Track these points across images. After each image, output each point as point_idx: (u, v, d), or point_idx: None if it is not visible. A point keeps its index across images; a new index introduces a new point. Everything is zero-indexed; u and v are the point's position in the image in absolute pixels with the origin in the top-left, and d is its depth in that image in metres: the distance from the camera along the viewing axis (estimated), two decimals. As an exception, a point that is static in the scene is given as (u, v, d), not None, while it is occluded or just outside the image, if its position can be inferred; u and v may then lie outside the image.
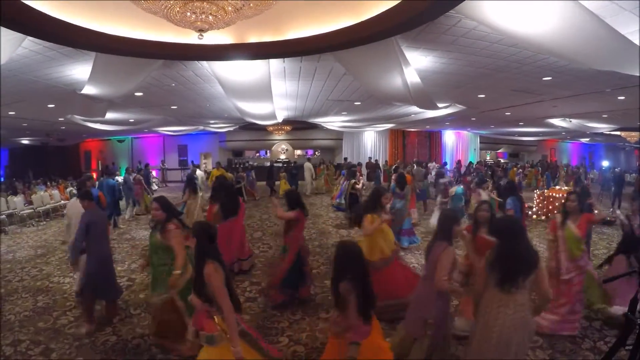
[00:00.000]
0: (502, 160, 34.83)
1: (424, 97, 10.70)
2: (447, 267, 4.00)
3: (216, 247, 3.75)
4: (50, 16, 5.54)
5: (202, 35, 5.12)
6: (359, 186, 13.35)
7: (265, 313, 6.41)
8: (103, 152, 32.03)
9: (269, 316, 6.30)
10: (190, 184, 10.55)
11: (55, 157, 29.74)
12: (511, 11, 5.32)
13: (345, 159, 25.26)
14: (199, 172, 18.70)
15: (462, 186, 11.64)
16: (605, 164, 30.86)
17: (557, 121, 18.92)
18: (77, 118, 15.31)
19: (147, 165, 23.27)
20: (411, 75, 8.71)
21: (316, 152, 30.73)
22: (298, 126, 23.44)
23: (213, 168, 20.51)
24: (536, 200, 14.37)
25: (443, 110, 14.43)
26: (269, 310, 6.47)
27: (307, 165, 22.03)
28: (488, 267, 3.71)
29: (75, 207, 6.94)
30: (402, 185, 10.12)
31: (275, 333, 5.77)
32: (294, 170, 20.64)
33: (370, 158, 25.48)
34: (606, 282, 4.84)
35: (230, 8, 4.59)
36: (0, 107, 8.33)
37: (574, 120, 18.65)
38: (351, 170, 14.47)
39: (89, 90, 9.77)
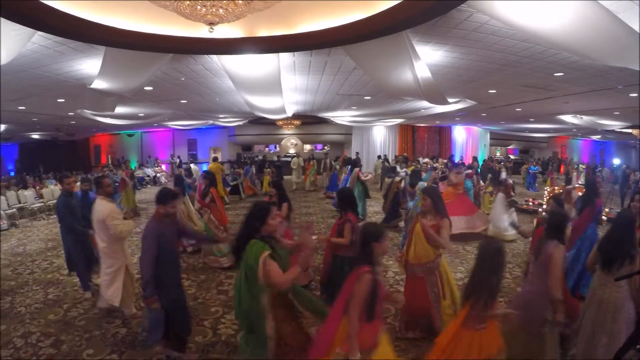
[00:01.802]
0: (511, 157, 34.68)
1: (435, 91, 10.65)
2: (562, 269, 4.18)
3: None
4: (60, 11, 5.54)
5: (212, 29, 5.12)
6: (366, 178, 13.26)
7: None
8: (113, 146, 32.16)
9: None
10: (179, 185, 10.04)
11: (66, 151, 29.89)
12: (523, 6, 5.26)
13: (357, 153, 25.12)
14: (193, 167, 18.80)
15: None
16: (616, 161, 30.58)
17: (568, 118, 18.79)
18: (87, 112, 15.36)
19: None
20: (422, 70, 8.65)
21: (325, 147, 30.77)
22: (307, 121, 23.40)
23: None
24: (546, 198, 14.29)
25: (453, 105, 14.40)
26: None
27: (295, 160, 22.14)
28: (598, 248, 4.43)
29: (102, 211, 5.81)
30: (413, 183, 9.79)
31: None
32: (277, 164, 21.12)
33: (379, 156, 25.32)
34: (617, 279, 4.80)
35: (240, 1, 4.58)
36: (0, 102, 8.34)
37: (585, 117, 18.49)
38: (391, 167, 14.32)
39: (99, 84, 9.78)
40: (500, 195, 10.77)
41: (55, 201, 15.40)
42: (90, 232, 6.48)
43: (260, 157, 27.86)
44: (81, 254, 7.04)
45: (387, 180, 12.12)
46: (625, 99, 12.43)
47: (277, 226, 3.79)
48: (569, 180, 16.57)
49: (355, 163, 15.32)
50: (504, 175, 14.33)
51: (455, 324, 3.85)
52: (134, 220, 7.04)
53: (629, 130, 21.46)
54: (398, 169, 13.59)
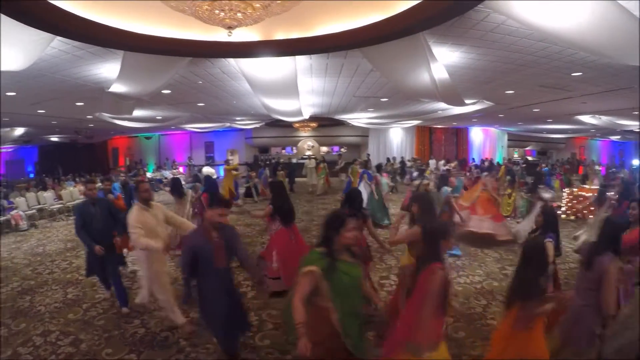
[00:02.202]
0: (529, 158, 34.36)
1: (452, 93, 10.61)
2: (615, 284, 3.99)
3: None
4: (79, 16, 5.61)
5: (231, 33, 5.16)
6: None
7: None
8: (131, 148, 32.46)
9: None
10: (176, 189, 10.02)
11: (84, 153, 30.19)
12: (540, 5, 5.22)
13: (368, 155, 24.83)
14: (208, 169, 18.84)
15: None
16: (636, 162, 30.12)
17: (586, 118, 18.56)
18: (105, 115, 15.51)
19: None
20: (439, 71, 8.62)
21: (342, 149, 30.75)
22: (324, 123, 23.36)
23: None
24: (565, 200, 14.12)
25: (470, 106, 14.32)
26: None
27: (308, 162, 21.86)
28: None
29: (128, 218, 5.64)
30: (439, 187, 9.84)
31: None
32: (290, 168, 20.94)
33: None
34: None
35: (258, 5, 4.61)
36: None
37: (603, 117, 18.26)
38: (421, 169, 14.02)
39: (117, 88, 9.88)
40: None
41: (74, 202, 15.72)
42: (97, 247, 6.06)
43: (274, 160, 27.77)
44: (96, 262, 6.53)
45: (415, 182, 11.73)
46: (645, 99, 12.22)
47: (352, 239, 3.59)
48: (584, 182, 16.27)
49: (379, 167, 14.84)
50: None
51: (505, 325, 3.84)
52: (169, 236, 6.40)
53: (649, 130, 21.21)
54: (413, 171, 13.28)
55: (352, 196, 6.35)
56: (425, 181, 11.20)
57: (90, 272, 6.97)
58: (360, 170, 14.04)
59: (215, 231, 4.42)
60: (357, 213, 5.64)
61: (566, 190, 14.81)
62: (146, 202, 5.80)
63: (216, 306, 4.47)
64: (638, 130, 21.43)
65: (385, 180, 13.52)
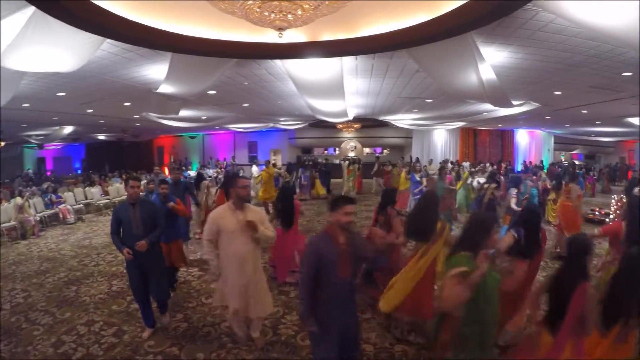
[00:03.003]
0: (576, 162, 33.47)
1: (499, 94, 10.44)
2: None
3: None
4: (128, 19, 5.74)
5: (281, 34, 5.18)
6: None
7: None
8: (175, 147, 33.10)
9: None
10: (176, 191, 8.74)
11: (130, 152, 30.99)
12: (590, 3, 5.10)
13: (417, 158, 24.23)
14: (254, 168, 19.82)
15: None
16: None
17: (636, 120, 17.94)
18: (152, 115, 15.93)
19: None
20: (486, 72, 8.51)
21: (384, 150, 30.58)
22: (367, 124, 23.22)
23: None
24: (614, 207, 13.52)
25: (517, 108, 14.06)
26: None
27: (344, 164, 21.47)
28: None
29: (222, 222, 4.90)
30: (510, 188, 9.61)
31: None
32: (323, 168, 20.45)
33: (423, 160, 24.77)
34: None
35: (307, 6, 4.63)
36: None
37: (655, 120, 17.70)
38: (493, 173, 13.40)
39: (165, 89, 10.10)
40: None
41: (120, 198, 16.17)
42: (125, 250, 5.17)
43: (311, 160, 27.07)
44: (135, 277, 5.49)
45: (485, 186, 11.07)
46: (701, 100, 11.79)
47: (497, 241, 3.58)
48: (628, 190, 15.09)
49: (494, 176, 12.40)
50: None
51: (605, 342, 3.68)
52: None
53: None
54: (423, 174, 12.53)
55: (389, 194, 6.59)
56: (493, 185, 10.46)
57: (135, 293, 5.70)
58: (406, 174, 13.85)
59: (342, 236, 3.77)
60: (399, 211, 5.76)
61: (614, 196, 14.24)
62: (242, 201, 4.96)
63: (330, 323, 3.77)
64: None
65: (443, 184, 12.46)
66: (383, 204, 6.34)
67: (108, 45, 7.12)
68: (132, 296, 6.16)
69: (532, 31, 6.64)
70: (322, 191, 18.86)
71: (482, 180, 12.18)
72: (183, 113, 15.54)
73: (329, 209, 3.82)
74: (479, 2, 5.21)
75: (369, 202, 17.01)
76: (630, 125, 19.38)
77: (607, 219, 12.87)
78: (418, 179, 13.58)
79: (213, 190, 10.87)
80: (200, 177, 12.11)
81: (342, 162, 22.49)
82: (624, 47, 6.99)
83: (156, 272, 5.58)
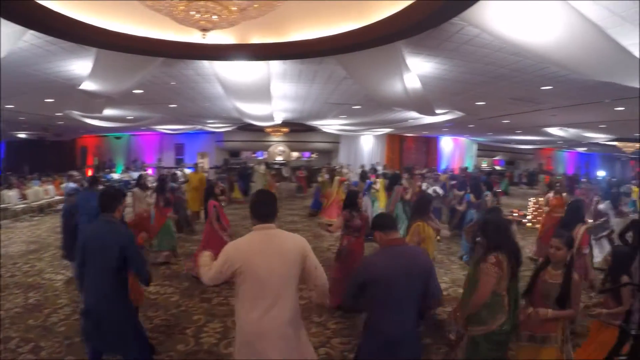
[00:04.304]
0: (497, 167, 34.80)
1: (424, 102, 10.71)
2: None
3: None
4: (53, 11, 5.50)
5: (205, 35, 5.09)
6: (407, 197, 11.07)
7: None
8: (100, 148, 31.92)
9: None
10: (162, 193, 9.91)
11: (52, 152, 29.60)
12: (514, 20, 5.33)
13: (362, 166, 21.41)
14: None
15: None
16: (601, 173, 30.90)
17: (554, 130, 19.00)
18: (75, 113, 15.26)
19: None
20: (412, 81, 8.71)
21: (313, 155, 30.81)
22: (296, 128, 23.41)
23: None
24: (531, 208, 14.45)
25: (441, 116, 14.48)
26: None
27: (259, 168, 20.14)
28: None
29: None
30: (477, 194, 9.83)
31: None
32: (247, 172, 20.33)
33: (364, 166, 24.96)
34: (601, 292, 4.85)
35: (234, 8, 4.57)
36: (1, 100, 8.23)
37: (571, 130, 18.75)
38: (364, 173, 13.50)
39: (88, 85, 9.69)
40: None
41: (39, 202, 15.40)
42: None
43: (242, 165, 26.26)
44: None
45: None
46: (611, 112, 12.63)
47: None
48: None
49: (396, 179, 12.39)
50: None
51: None
52: None
53: (614, 143, 21.77)
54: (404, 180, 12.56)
55: (352, 197, 6.87)
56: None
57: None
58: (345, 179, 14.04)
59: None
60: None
61: (532, 199, 15.11)
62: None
63: (385, 349, 3.20)
64: (603, 142, 21.95)
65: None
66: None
67: (31, 37, 6.76)
68: (49, 309, 6.11)
69: (458, 44, 6.84)
70: (239, 195, 18.82)
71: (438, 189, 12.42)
72: (108, 112, 15.07)
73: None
74: (407, 13, 5.31)
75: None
76: (549, 134, 20.47)
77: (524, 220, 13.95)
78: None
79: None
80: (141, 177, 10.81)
81: (258, 165, 21.51)
82: (545, 63, 7.34)
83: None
